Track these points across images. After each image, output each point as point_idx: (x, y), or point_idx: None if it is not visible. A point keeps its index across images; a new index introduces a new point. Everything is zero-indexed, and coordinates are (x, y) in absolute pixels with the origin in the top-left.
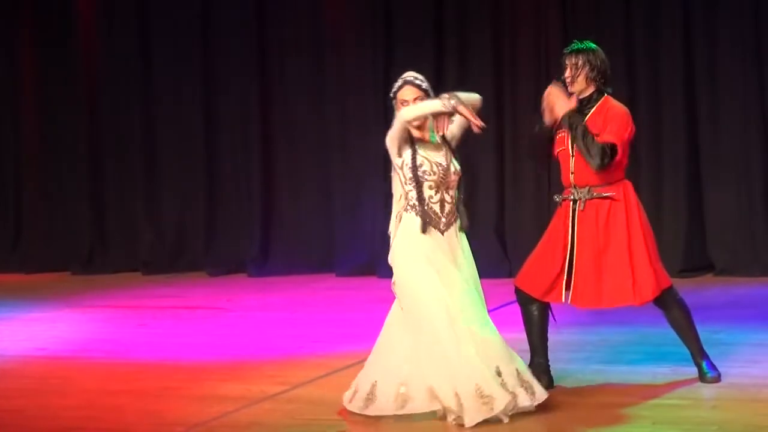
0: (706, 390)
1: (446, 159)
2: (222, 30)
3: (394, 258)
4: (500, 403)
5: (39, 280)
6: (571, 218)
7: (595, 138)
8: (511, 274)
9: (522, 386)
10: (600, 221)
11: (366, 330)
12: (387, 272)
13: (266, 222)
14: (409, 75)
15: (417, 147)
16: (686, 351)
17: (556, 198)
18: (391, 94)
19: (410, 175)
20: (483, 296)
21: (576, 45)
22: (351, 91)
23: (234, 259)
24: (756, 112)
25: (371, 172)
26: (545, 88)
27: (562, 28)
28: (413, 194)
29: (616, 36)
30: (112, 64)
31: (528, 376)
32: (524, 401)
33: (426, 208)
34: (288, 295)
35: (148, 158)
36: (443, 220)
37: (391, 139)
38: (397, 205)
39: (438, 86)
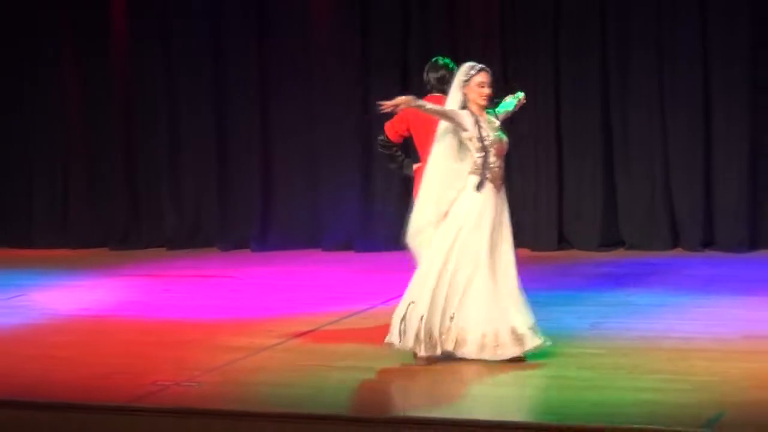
0: (619, 342)
1: (498, 131)
2: (229, 45)
3: (458, 206)
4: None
5: (83, 254)
6: None
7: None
8: None
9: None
10: None
11: (344, 294)
12: (363, 247)
13: (265, 207)
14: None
15: (480, 122)
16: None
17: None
18: (465, 77)
19: (479, 144)
20: (515, 254)
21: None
22: (336, 100)
23: (240, 237)
24: (656, 104)
25: (350, 167)
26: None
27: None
28: (480, 161)
29: (543, 37)
30: (141, 72)
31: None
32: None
33: (489, 170)
34: (283, 266)
35: (172, 153)
36: (500, 181)
37: (454, 115)
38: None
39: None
